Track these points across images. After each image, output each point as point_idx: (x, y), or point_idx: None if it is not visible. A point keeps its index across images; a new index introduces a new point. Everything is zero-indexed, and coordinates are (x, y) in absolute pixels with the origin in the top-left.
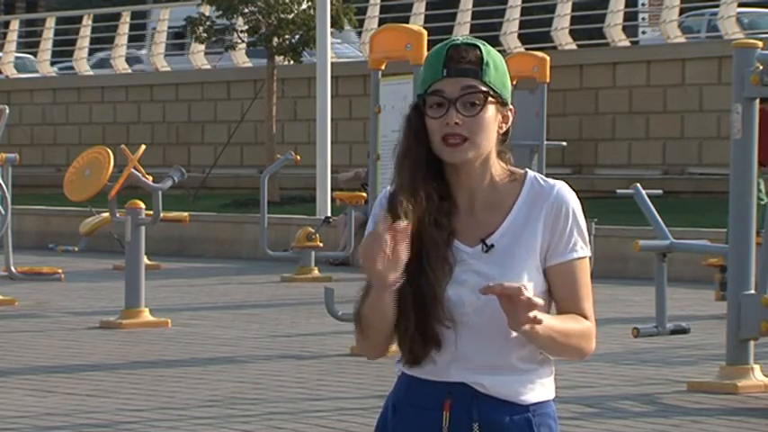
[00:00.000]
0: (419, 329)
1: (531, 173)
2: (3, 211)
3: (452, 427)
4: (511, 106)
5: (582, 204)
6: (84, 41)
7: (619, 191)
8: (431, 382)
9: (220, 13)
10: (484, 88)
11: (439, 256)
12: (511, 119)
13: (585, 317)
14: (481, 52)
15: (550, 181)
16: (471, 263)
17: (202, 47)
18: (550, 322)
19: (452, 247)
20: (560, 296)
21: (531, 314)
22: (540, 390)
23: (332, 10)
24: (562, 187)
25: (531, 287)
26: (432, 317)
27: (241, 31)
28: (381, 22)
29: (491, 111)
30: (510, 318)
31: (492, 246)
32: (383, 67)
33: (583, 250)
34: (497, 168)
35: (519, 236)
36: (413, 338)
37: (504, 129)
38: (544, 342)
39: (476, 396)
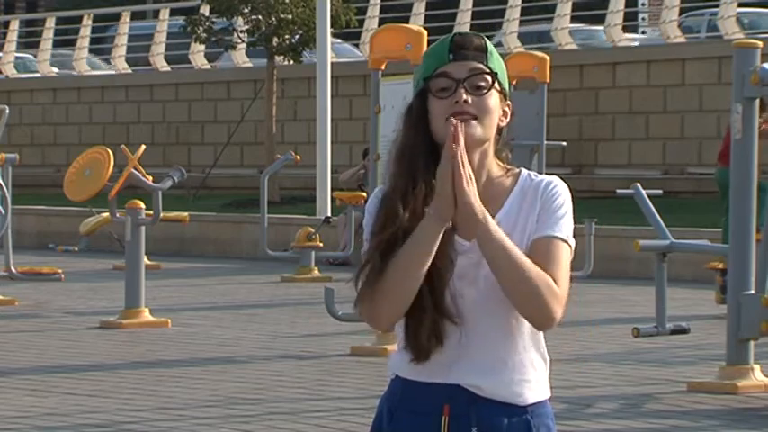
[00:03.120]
0: (431, 322)
1: (525, 170)
2: (3, 211)
3: None
4: (509, 102)
5: (582, 204)
6: (84, 41)
7: (619, 191)
8: (427, 385)
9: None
10: (490, 71)
11: (441, 250)
12: (509, 115)
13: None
14: (484, 42)
15: (544, 176)
16: (470, 256)
17: (202, 47)
18: (503, 236)
19: (452, 241)
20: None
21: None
22: (537, 389)
23: (332, 10)
24: (555, 179)
25: None
26: (440, 311)
27: (241, 31)
28: (381, 22)
29: (495, 97)
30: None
31: None
32: (383, 67)
33: (567, 236)
34: (494, 166)
35: (514, 225)
36: (424, 330)
37: (504, 122)
38: (495, 252)
39: (473, 400)
